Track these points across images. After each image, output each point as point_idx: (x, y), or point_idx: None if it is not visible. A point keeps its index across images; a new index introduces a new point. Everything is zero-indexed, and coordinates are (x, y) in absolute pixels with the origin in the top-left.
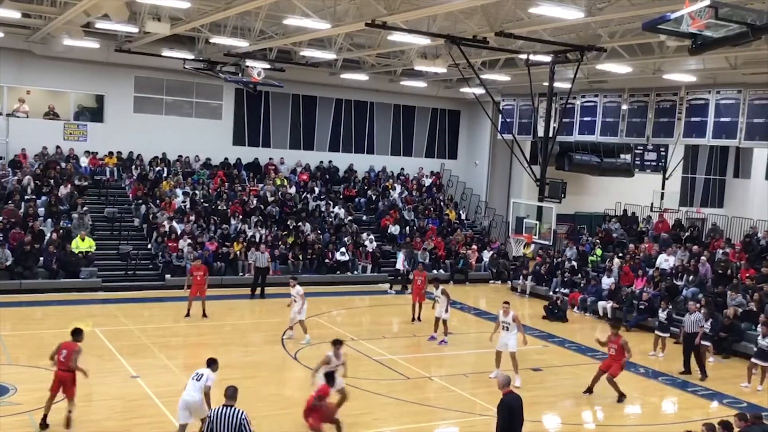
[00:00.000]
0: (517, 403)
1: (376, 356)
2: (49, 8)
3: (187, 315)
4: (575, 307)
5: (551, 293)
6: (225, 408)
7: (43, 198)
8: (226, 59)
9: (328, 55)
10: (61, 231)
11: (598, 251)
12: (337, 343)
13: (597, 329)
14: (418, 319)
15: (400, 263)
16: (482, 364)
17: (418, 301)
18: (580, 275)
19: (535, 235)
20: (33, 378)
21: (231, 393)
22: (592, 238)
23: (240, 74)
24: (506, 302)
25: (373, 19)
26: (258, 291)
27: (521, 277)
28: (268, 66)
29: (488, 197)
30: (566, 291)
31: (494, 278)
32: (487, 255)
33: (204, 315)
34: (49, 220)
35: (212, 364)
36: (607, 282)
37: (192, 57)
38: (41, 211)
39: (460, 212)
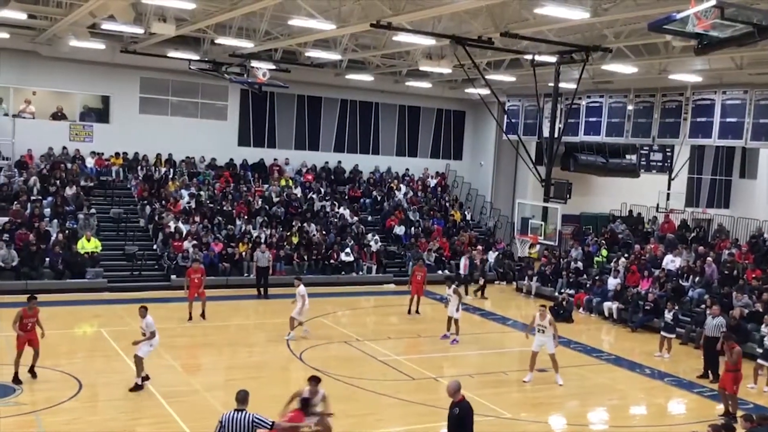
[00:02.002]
0: (470, 411)
1: (381, 357)
2: (54, 9)
3: (189, 319)
4: (581, 308)
5: (556, 294)
6: (236, 412)
7: (49, 198)
8: (232, 60)
9: (333, 56)
10: (67, 231)
11: (604, 252)
12: (313, 380)
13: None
14: (416, 311)
15: (462, 267)
16: (488, 364)
17: (416, 296)
18: (585, 276)
19: (541, 235)
20: (38, 378)
21: (242, 397)
22: (598, 238)
23: (245, 75)
24: (543, 305)
25: (378, 20)
26: (261, 291)
27: (526, 277)
28: (273, 67)
29: (493, 198)
30: (572, 292)
31: (499, 279)
32: (492, 256)
33: (202, 316)
34: (55, 220)
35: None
36: (612, 283)
37: (197, 58)
38: (47, 211)
39: (466, 213)
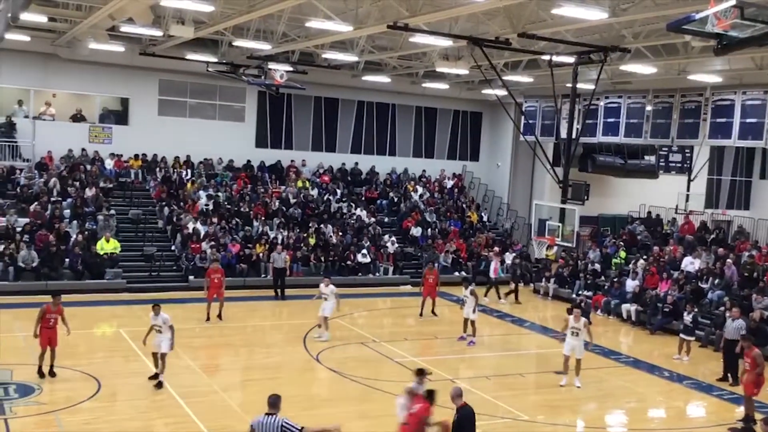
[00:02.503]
0: (469, 417)
1: (398, 358)
2: (74, 12)
3: (207, 319)
4: (598, 310)
5: (574, 296)
6: (266, 416)
7: (69, 200)
8: (249, 62)
9: (350, 58)
10: (86, 232)
11: (622, 253)
12: (420, 373)
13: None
14: (433, 313)
15: (493, 271)
16: (505, 366)
17: (429, 298)
18: (603, 278)
19: (558, 237)
20: (58, 378)
21: (272, 401)
22: (616, 240)
23: (262, 77)
24: (577, 307)
25: (395, 21)
26: (279, 292)
27: (544, 279)
28: (291, 68)
29: (510, 199)
30: (589, 293)
31: (517, 280)
32: (509, 257)
33: (219, 317)
34: (75, 221)
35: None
36: (631, 284)
37: (215, 60)
38: (67, 212)
39: (482, 214)
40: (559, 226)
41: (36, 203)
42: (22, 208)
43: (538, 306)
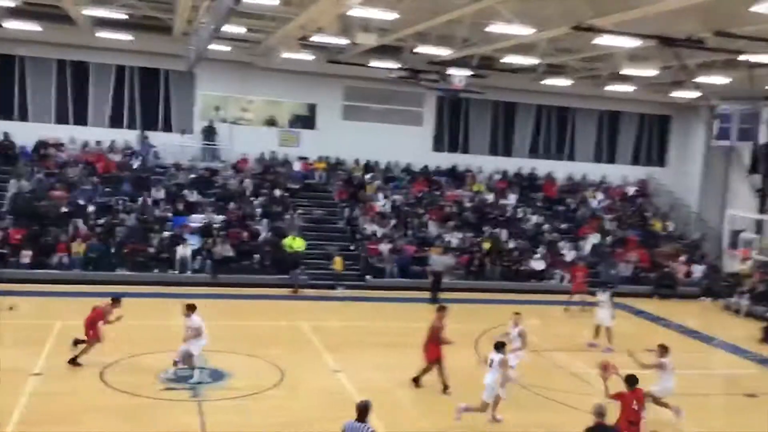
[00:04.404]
0: None
1: (574, 369)
2: (269, 23)
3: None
4: None
5: None
6: (357, 422)
7: (260, 199)
8: (430, 68)
9: (531, 61)
10: (275, 230)
11: None
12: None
13: None
14: (583, 309)
15: None
16: (690, 386)
17: (578, 294)
18: None
19: (754, 249)
20: (247, 366)
21: (362, 409)
22: None
23: (443, 82)
24: None
25: (580, 22)
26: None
27: (736, 295)
28: (470, 73)
29: (700, 208)
30: None
31: (704, 295)
32: (697, 270)
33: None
34: (265, 220)
35: None
36: None
37: (397, 66)
38: (258, 211)
39: (667, 223)
40: (756, 238)
41: (232, 202)
42: (220, 207)
43: (729, 324)
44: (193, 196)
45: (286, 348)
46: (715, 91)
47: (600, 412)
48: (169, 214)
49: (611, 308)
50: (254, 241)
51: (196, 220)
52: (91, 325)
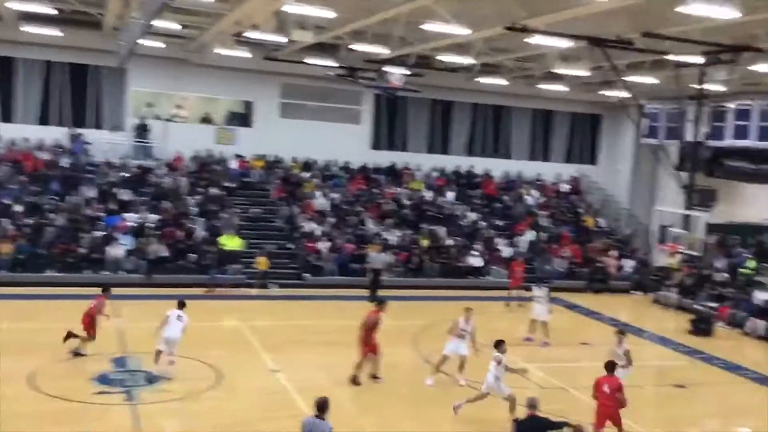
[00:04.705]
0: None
1: (511, 365)
2: (204, 19)
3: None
4: (723, 322)
5: (698, 307)
6: (316, 419)
7: (196, 198)
8: (367, 66)
9: (467, 60)
10: (211, 230)
11: (752, 263)
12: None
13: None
14: (520, 305)
15: None
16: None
17: (515, 289)
18: (729, 288)
19: (682, 244)
20: (183, 368)
21: (320, 406)
22: (746, 249)
23: (380, 80)
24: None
25: (513, 23)
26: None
27: (665, 288)
28: (407, 72)
29: (630, 204)
30: (714, 305)
31: (635, 289)
32: (628, 264)
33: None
34: (201, 219)
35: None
36: (760, 297)
37: (334, 64)
38: (194, 210)
39: (599, 220)
40: (683, 234)
41: (166, 201)
42: (154, 206)
43: (658, 317)
44: (126, 195)
45: (224, 349)
46: (644, 91)
47: (532, 404)
48: (101, 214)
49: (548, 303)
50: (190, 241)
51: (130, 219)
52: (89, 320)
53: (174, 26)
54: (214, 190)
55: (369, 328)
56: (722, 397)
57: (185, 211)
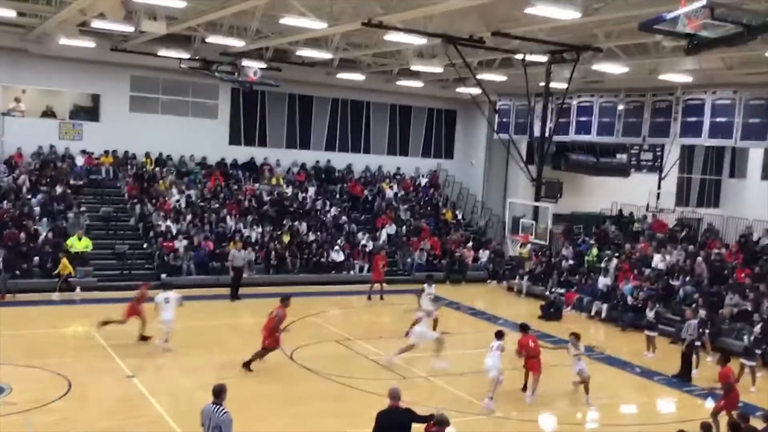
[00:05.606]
0: (394, 419)
1: (373, 356)
2: (44, 7)
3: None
4: (571, 307)
5: (547, 293)
6: (213, 405)
7: (39, 197)
8: (222, 58)
9: (325, 55)
10: (56, 230)
11: (595, 251)
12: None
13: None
14: (381, 298)
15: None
16: (479, 363)
17: (378, 283)
18: (576, 275)
19: (532, 234)
20: (28, 378)
21: (217, 391)
22: (589, 238)
23: (236, 74)
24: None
25: (370, 19)
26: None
27: (517, 276)
28: (265, 65)
29: (484, 197)
30: (562, 291)
31: (491, 278)
32: (483, 255)
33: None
34: (45, 219)
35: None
36: (602, 282)
37: (188, 56)
38: (37, 210)
39: (457, 212)
40: (532, 224)
41: (5, 201)
42: None
43: (512, 303)
44: None
45: (73, 355)
46: (495, 88)
47: (395, 395)
48: None
49: (438, 300)
50: (33, 243)
51: None
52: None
53: (9, 14)
54: (59, 189)
55: (277, 323)
56: (570, 378)
57: (27, 212)
